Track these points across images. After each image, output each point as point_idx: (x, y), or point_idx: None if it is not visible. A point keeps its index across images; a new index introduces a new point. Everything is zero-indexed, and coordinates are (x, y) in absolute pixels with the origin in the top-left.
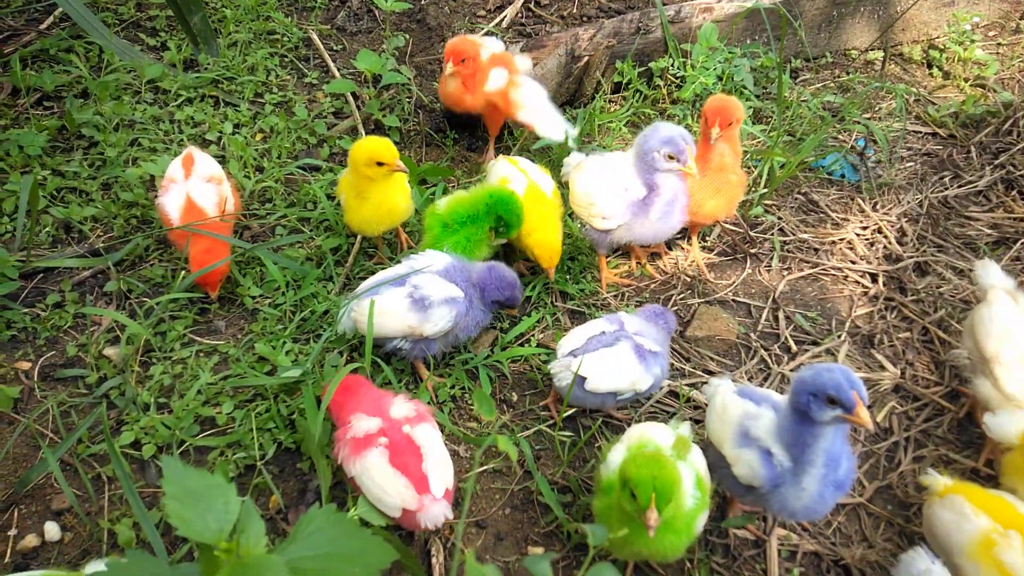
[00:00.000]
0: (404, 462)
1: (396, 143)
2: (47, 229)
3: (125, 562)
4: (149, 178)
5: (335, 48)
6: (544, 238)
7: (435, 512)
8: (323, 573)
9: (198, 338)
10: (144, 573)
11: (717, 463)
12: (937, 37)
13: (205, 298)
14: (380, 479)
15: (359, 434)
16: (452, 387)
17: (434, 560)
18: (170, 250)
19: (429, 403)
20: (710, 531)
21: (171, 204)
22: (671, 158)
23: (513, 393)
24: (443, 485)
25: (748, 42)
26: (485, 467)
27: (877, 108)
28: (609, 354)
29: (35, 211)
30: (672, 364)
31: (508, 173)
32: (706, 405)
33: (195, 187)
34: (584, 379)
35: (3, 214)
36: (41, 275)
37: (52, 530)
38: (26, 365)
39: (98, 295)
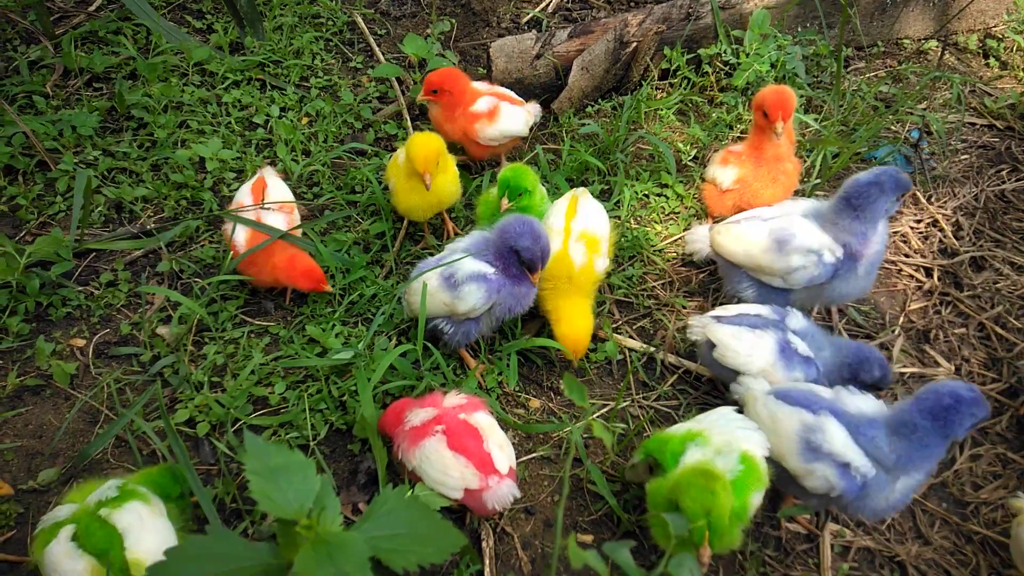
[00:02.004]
0: (463, 444)
1: None
2: (99, 209)
3: (205, 537)
4: (198, 159)
5: (379, 32)
6: (568, 329)
7: (503, 492)
8: (398, 553)
9: (249, 319)
10: (223, 549)
11: (776, 470)
12: (995, 26)
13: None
14: (440, 463)
15: (416, 423)
16: (499, 374)
17: (484, 544)
18: (220, 232)
19: (478, 388)
20: (762, 523)
21: (239, 233)
22: (901, 196)
23: (561, 381)
24: (507, 463)
25: (800, 29)
26: (533, 454)
27: (932, 99)
28: (747, 333)
29: (88, 192)
30: None
31: (555, 225)
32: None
33: (265, 215)
34: (714, 345)
35: (57, 193)
36: (94, 254)
37: None
38: (81, 342)
39: (150, 275)
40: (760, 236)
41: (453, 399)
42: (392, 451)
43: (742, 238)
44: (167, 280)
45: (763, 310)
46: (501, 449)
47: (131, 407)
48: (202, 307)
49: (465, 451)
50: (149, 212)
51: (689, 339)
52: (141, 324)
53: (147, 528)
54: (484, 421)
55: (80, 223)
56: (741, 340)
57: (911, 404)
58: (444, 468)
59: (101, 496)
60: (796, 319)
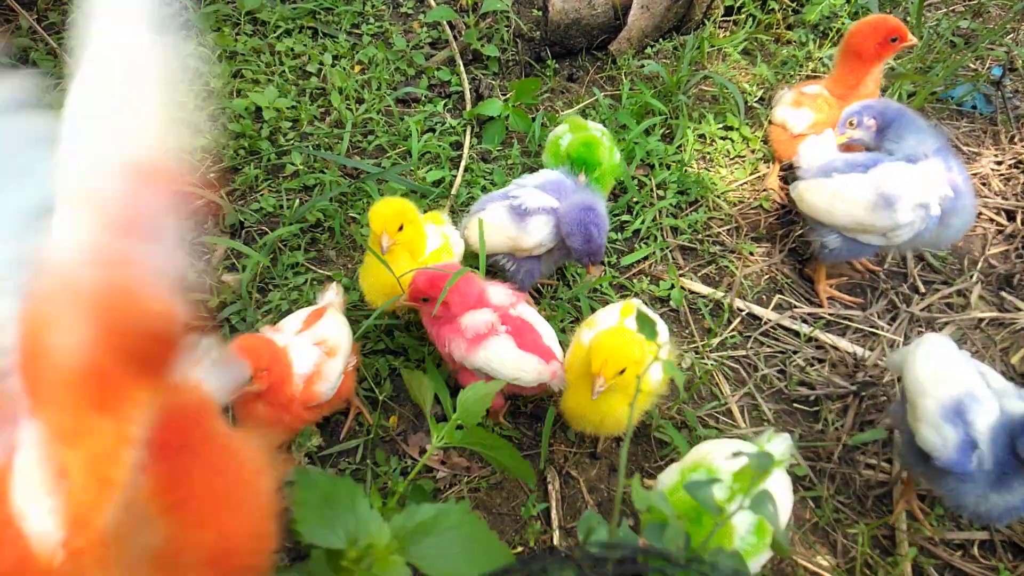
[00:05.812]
0: (528, 341)
1: (495, 73)
2: None
3: (309, 474)
4: (255, 109)
5: None
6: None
7: (562, 374)
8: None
9: (312, 266)
10: (323, 490)
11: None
12: None
13: (315, 227)
14: (516, 362)
15: (479, 328)
16: (561, 320)
17: (550, 487)
18: (280, 180)
19: None
20: (837, 466)
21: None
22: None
23: None
24: (558, 349)
25: None
26: None
27: (1018, 32)
28: None
29: None
30: (791, 303)
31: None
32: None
33: (297, 342)
34: None
35: None
36: None
37: None
38: None
39: (211, 223)
40: (864, 193)
41: (499, 294)
42: (434, 338)
43: (841, 195)
44: (230, 228)
45: None
46: (552, 339)
47: None
48: (265, 256)
49: (534, 348)
50: (208, 162)
51: None
52: (207, 271)
53: None
54: (532, 315)
55: None
56: None
57: None
58: (519, 367)
59: None
60: None
